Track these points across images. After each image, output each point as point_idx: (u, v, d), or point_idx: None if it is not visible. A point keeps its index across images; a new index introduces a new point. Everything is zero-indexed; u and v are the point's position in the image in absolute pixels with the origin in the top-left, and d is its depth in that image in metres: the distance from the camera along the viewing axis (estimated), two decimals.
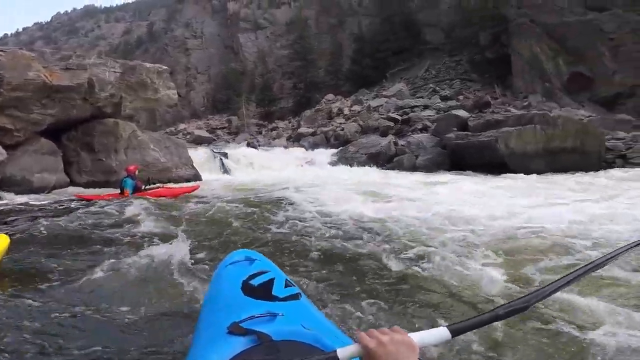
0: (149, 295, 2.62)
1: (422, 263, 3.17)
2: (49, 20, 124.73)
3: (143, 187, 7.48)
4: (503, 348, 1.92)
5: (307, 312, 1.16)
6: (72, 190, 9.00)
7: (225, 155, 13.51)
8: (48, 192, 8.88)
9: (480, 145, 11.95)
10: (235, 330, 0.97)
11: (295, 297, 1.19)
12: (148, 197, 7.02)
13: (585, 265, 0.88)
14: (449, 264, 3.08)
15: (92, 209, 6.11)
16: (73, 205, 6.84)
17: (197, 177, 10.66)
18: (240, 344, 0.92)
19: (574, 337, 1.98)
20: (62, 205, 6.86)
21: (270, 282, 1.23)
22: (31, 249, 3.82)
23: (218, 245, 3.94)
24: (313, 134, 21.19)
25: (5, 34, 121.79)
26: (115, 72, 9.75)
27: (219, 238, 4.28)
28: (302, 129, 22.93)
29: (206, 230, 4.72)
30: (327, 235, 4.28)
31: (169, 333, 2.11)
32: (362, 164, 13.80)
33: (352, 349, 0.69)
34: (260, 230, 4.63)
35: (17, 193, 8.33)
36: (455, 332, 0.76)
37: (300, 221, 4.95)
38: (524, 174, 10.50)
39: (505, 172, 10.74)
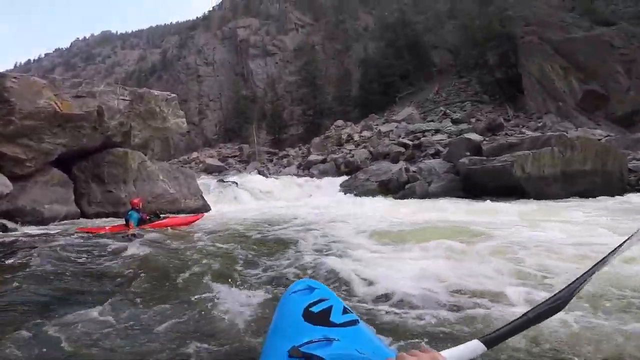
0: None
1: None
2: (68, 47, 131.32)
3: (148, 218, 7.46)
4: None
5: (364, 338, 1.21)
6: (81, 222, 8.90)
7: (235, 184, 13.41)
8: (58, 222, 8.79)
9: (494, 170, 11.61)
10: (294, 353, 1.03)
11: (352, 323, 1.25)
12: (152, 228, 7.08)
13: (605, 256, 0.95)
14: None
15: (95, 242, 5.97)
16: (78, 238, 6.68)
17: (205, 207, 10.50)
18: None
19: None
20: (68, 238, 6.72)
21: (329, 309, 1.30)
22: (19, 284, 3.59)
23: (215, 276, 3.86)
24: (323, 162, 21.08)
25: (28, 60, 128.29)
26: (124, 99, 9.79)
27: (214, 270, 4.17)
28: (312, 157, 22.88)
29: (203, 262, 4.54)
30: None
31: None
32: (372, 192, 13.51)
33: None
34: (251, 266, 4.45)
35: (26, 224, 8.23)
36: (489, 344, 0.76)
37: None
38: (541, 199, 10.11)
39: (522, 198, 10.37)
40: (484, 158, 12.67)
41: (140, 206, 7.46)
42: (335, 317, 1.26)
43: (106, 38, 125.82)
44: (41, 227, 8.11)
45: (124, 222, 7.24)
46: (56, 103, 8.37)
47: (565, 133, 13.34)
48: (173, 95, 11.50)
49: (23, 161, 8.69)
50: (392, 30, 37.16)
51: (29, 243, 6.19)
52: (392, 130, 23.00)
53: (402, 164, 15.30)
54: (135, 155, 10.00)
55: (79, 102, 8.87)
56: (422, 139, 19.74)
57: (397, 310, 2.84)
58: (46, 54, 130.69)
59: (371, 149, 20.03)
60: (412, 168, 14.73)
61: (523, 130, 18.96)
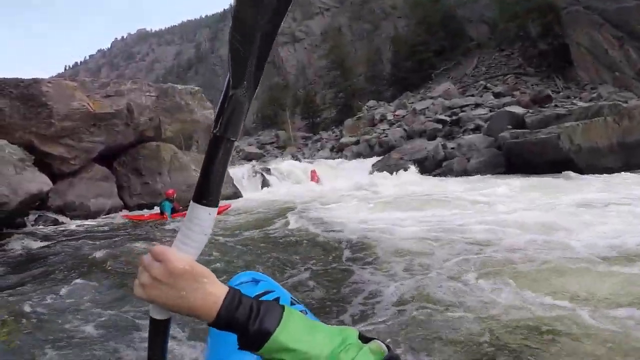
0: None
1: None
2: (109, 47, 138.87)
3: (180, 208, 7.90)
4: None
5: None
6: (124, 213, 9.47)
7: (268, 170, 13.54)
8: (105, 216, 9.34)
9: (540, 142, 10.75)
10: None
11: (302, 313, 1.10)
12: (182, 217, 7.28)
13: None
14: None
15: (132, 231, 6.43)
16: (121, 227, 7.18)
17: (237, 194, 10.71)
18: (250, 357, 0.93)
19: None
20: (112, 227, 7.22)
21: (277, 300, 1.17)
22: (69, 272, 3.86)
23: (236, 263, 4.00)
24: (356, 143, 20.72)
25: (76, 63, 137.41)
26: (150, 96, 10.11)
27: (235, 257, 4.33)
28: (345, 139, 22.57)
29: (225, 250, 4.66)
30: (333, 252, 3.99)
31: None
32: (407, 171, 13.05)
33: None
34: (276, 250, 4.51)
35: (75, 218, 8.80)
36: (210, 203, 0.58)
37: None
38: (592, 172, 9.23)
39: (571, 171, 9.50)
40: (527, 131, 11.77)
41: (174, 197, 7.88)
42: None
43: (142, 36, 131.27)
44: (89, 220, 8.70)
45: (159, 212, 7.77)
46: (88, 104, 8.80)
47: (621, 103, 11.97)
48: (197, 88, 11.72)
49: (68, 159, 9.29)
50: (422, 7, 35.57)
51: (77, 234, 6.71)
52: (428, 108, 22.04)
53: (438, 141, 14.63)
54: (167, 148, 10.36)
55: (109, 101, 9.29)
56: (460, 114, 18.70)
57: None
58: (90, 56, 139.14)
59: (406, 127, 19.34)
60: (450, 144, 14.08)
61: (574, 102, 17.39)
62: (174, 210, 7.76)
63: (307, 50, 50.75)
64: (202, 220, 0.51)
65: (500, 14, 28.97)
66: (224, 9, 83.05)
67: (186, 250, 0.50)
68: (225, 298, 0.48)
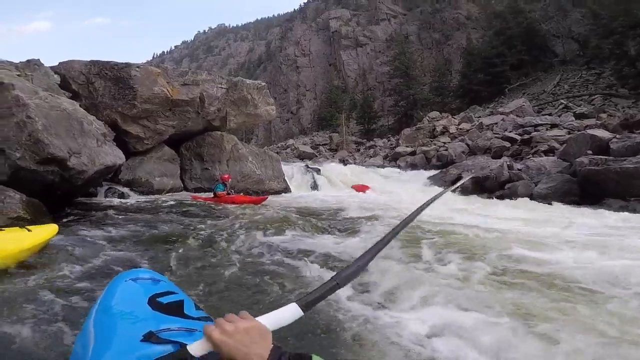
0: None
1: None
2: (192, 39, 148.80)
3: (228, 193, 8.66)
4: None
5: None
6: (186, 193, 10.14)
7: (318, 171, 13.61)
8: (165, 194, 10.05)
9: (624, 173, 9.53)
10: (151, 338, 0.97)
11: (207, 319, 1.20)
12: (226, 203, 8.15)
13: (408, 217, 1.05)
14: None
15: (190, 209, 7.02)
16: (179, 205, 7.69)
17: (286, 189, 10.93)
18: (157, 350, 0.93)
19: None
20: (171, 205, 7.68)
21: (181, 302, 1.25)
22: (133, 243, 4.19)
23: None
24: (412, 154, 20.08)
25: (163, 52, 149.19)
26: (221, 87, 10.66)
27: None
28: (400, 148, 22.00)
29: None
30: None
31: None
32: (464, 190, 12.34)
33: (202, 342, 0.67)
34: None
35: (138, 193, 9.58)
36: (306, 307, 0.76)
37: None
38: None
39: None
40: (611, 158, 10.51)
41: (229, 181, 8.62)
42: (189, 310, 1.21)
43: (221, 31, 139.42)
44: (150, 196, 9.38)
45: (213, 194, 8.48)
46: (168, 90, 9.47)
47: None
48: (263, 83, 12.12)
49: (142, 139, 10.13)
50: (502, 19, 33.87)
51: (143, 207, 7.27)
52: (496, 123, 20.68)
53: (504, 160, 13.61)
54: (229, 138, 10.86)
55: (186, 89, 9.95)
56: (533, 133, 17.24)
57: None
58: (175, 46, 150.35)
59: (469, 142, 18.31)
60: (517, 165, 13.03)
61: None
62: (225, 193, 8.48)
63: (370, 55, 50.52)
64: (288, 316, 0.74)
65: (593, 29, 26.70)
66: (294, 9, 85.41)
67: (264, 321, 0.71)
68: (270, 353, 0.64)
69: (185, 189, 10.57)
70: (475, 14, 42.38)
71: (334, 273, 0.86)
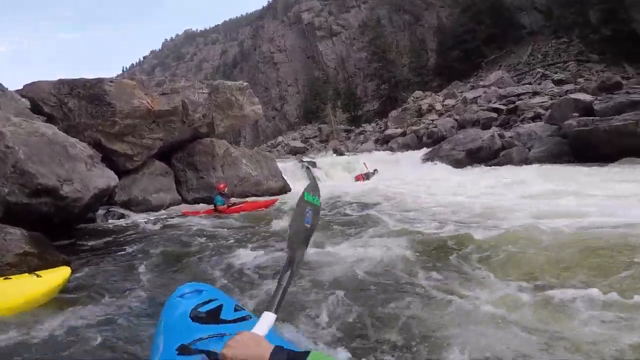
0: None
1: None
2: (160, 48, 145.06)
3: (231, 203, 8.22)
4: None
5: None
6: (182, 207, 9.81)
7: (314, 164, 13.54)
8: (165, 210, 9.67)
9: (613, 130, 9.77)
10: (184, 351, 1.04)
11: (244, 319, 1.28)
12: (233, 212, 7.79)
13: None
14: None
15: (189, 225, 6.72)
16: (177, 222, 7.44)
17: (286, 187, 10.80)
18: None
19: None
20: (171, 222, 7.51)
21: (219, 308, 1.32)
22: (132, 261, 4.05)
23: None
24: (402, 135, 20.14)
25: (132, 64, 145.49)
26: (203, 92, 10.38)
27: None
28: (390, 130, 22.04)
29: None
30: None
31: None
32: (459, 162, 12.47)
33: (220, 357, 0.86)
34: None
35: (138, 212, 9.25)
36: (275, 310, 1.00)
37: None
38: None
39: None
40: (598, 118, 10.77)
41: (225, 190, 8.16)
42: (226, 314, 1.29)
43: (189, 36, 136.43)
44: (150, 213, 9.10)
45: (213, 206, 7.97)
46: (148, 102, 9.18)
47: None
48: (245, 83, 11.90)
49: (131, 156, 9.80)
50: None
51: (142, 227, 7.07)
52: (480, 96, 20.90)
53: (494, 130, 13.80)
54: (220, 143, 10.66)
55: (166, 98, 9.65)
56: (517, 102, 17.52)
57: None
58: (144, 57, 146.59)
59: (457, 117, 18.46)
60: (507, 134, 13.27)
61: None
62: (227, 205, 8.00)
63: (346, 43, 50.21)
64: (269, 321, 0.98)
65: (555, 1, 27.37)
66: (263, 6, 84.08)
67: (256, 330, 0.94)
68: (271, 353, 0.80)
69: (185, 201, 10.33)
70: None
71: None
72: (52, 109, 8.78)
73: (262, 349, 0.80)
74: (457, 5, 35.98)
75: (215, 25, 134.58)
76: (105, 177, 7.10)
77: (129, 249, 4.93)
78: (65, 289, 3.12)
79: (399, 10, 45.68)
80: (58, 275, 3.05)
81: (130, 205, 9.38)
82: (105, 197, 8.16)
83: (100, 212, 8.42)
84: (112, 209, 8.70)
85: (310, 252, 3.68)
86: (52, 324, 2.50)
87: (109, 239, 5.93)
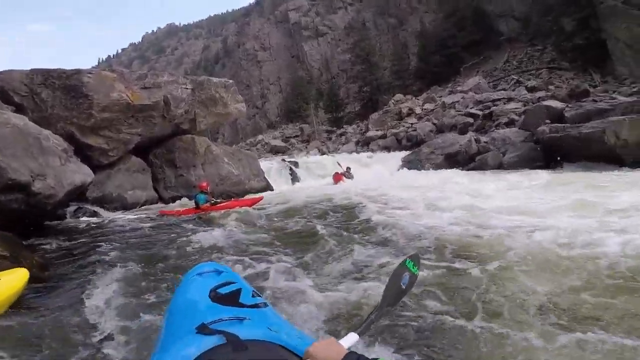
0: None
1: None
2: (140, 41, 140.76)
3: (214, 201, 7.89)
4: None
5: (274, 318, 1.27)
6: (159, 206, 9.46)
7: (296, 164, 13.52)
8: (139, 208, 9.37)
9: (582, 137, 10.24)
10: (203, 330, 1.04)
11: (262, 305, 1.29)
12: (218, 210, 7.51)
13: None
14: None
15: (168, 224, 6.53)
16: (157, 220, 7.24)
17: (268, 187, 10.74)
18: (208, 342, 1.00)
19: None
20: (147, 221, 7.26)
21: (238, 291, 1.32)
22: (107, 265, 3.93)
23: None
24: (383, 137, 20.41)
25: (109, 56, 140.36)
26: (186, 88, 10.17)
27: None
28: (371, 133, 22.28)
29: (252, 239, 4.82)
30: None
31: None
32: (438, 166, 12.76)
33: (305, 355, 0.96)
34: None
35: (113, 210, 8.91)
36: (361, 334, 1.14)
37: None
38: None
39: (616, 167, 9.05)
40: (568, 125, 11.27)
41: (208, 189, 7.86)
42: (245, 299, 1.28)
43: (172, 30, 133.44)
44: (125, 212, 8.77)
45: (194, 205, 7.69)
46: (127, 95, 8.91)
47: None
48: (230, 81, 11.74)
49: (106, 151, 9.47)
50: (451, 1, 35.17)
51: (115, 227, 6.76)
52: (458, 101, 21.45)
53: (471, 135, 14.20)
54: (201, 141, 10.47)
55: (147, 93, 9.37)
56: (492, 108, 18.09)
57: None
58: (123, 49, 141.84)
59: (435, 121, 18.88)
60: (483, 138, 13.66)
61: (614, 96, 16.56)
62: (209, 203, 7.71)
63: (331, 44, 50.37)
64: (351, 340, 1.10)
65: (534, 8, 28.30)
66: (250, 3, 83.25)
67: (341, 342, 1.04)
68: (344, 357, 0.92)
69: (162, 199, 10.03)
70: None
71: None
72: (22, 99, 8.40)
73: (338, 355, 0.93)
74: (441, 10, 36.72)
75: (200, 20, 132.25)
76: (80, 173, 6.87)
77: (103, 251, 4.66)
78: (23, 294, 2.87)
79: (384, 14, 46.24)
80: (15, 278, 2.75)
81: (104, 202, 9.04)
82: (78, 194, 7.88)
83: (71, 208, 8.04)
84: (84, 206, 8.35)
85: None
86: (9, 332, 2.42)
87: (82, 239, 5.64)
